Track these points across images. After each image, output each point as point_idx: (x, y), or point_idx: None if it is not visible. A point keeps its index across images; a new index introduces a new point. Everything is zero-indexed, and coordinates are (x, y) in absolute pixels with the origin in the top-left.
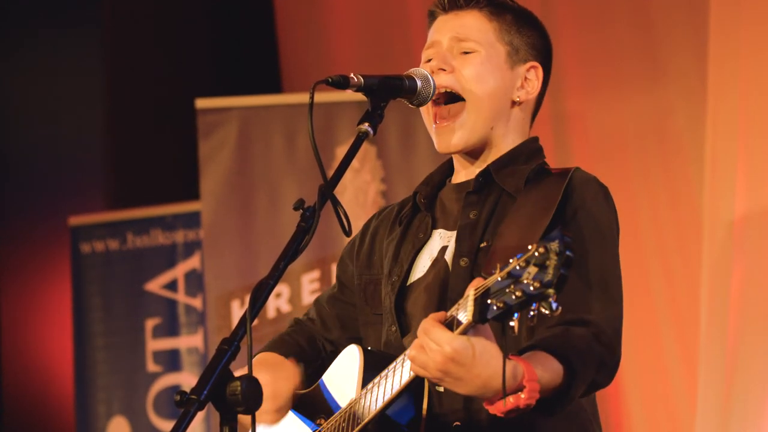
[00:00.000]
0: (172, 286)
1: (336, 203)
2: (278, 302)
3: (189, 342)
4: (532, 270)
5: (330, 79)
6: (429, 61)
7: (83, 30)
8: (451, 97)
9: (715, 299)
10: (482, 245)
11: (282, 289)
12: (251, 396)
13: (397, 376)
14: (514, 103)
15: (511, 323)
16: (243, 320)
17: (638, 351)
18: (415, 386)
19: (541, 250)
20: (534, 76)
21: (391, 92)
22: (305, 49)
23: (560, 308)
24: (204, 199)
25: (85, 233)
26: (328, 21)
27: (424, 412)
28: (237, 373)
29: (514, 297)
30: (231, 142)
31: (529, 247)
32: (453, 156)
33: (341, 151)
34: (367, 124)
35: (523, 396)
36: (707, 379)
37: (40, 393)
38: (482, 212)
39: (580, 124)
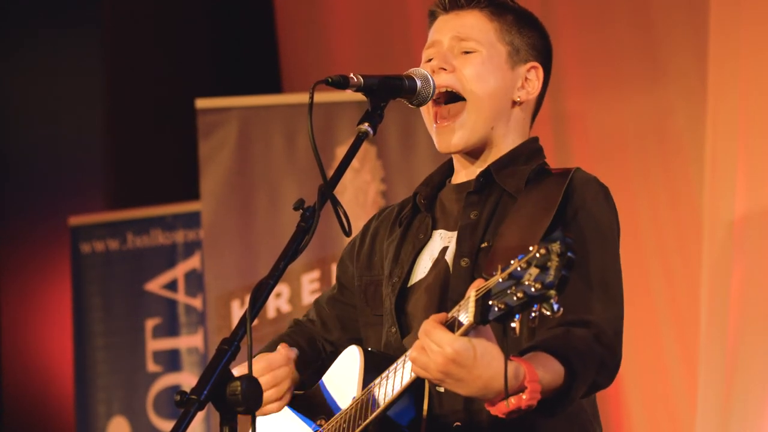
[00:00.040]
0: (172, 286)
1: (336, 203)
2: (278, 302)
3: (189, 342)
4: (534, 271)
5: (330, 79)
6: (429, 60)
7: (83, 30)
8: (452, 97)
9: (715, 299)
10: (483, 245)
11: (282, 289)
12: (251, 396)
13: (398, 377)
14: (514, 103)
15: (513, 324)
16: (243, 320)
17: (638, 351)
18: (415, 387)
19: (543, 251)
20: (534, 76)
21: (390, 92)
22: (305, 49)
23: (561, 309)
24: (204, 199)
25: (85, 233)
26: (328, 21)
27: (425, 412)
28: (235, 372)
29: (515, 298)
30: (231, 142)
31: (531, 248)
32: (453, 156)
33: (341, 151)
34: (367, 124)
35: (524, 397)
36: (707, 379)
37: (40, 393)
38: (483, 212)
39: (580, 124)
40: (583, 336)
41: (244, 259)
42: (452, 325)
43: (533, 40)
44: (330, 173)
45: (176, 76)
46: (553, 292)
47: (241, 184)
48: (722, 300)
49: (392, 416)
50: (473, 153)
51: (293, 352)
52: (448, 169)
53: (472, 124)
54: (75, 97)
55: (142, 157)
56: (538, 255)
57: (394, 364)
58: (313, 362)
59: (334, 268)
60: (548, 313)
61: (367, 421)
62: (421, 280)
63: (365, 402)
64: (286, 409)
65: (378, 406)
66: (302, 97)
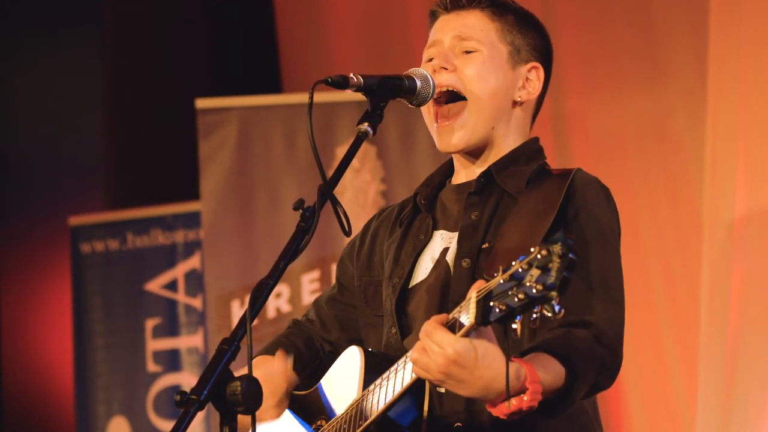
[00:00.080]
0: (172, 286)
1: (336, 203)
2: (278, 302)
3: (189, 342)
4: (535, 272)
5: (330, 79)
6: (430, 60)
7: (83, 30)
8: (453, 97)
9: (715, 299)
10: (484, 246)
11: (282, 289)
12: (251, 396)
13: (399, 378)
14: (515, 103)
15: (514, 325)
16: (243, 320)
17: (638, 351)
18: (416, 388)
19: (544, 252)
20: (535, 76)
21: (390, 92)
22: (305, 49)
23: (563, 311)
24: (204, 199)
25: (85, 233)
26: (328, 21)
27: (425, 413)
28: (236, 374)
29: (516, 299)
30: (231, 142)
31: (532, 249)
32: (453, 156)
33: (341, 151)
34: (366, 124)
35: (525, 398)
36: (707, 379)
37: (40, 393)
38: (484, 213)
39: (580, 124)
40: (584, 337)
41: (244, 259)
42: (453, 326)
43: (534, 41)
44: (330, 173)
45: (176, 76)
46: (554, 294)
47: (241, 184)
48: (722, 300)
49: (393, 417)
50: (474, 153)
51: (289, 362)
52: (448, 169)
53: (473, 124)
54: (75, 97)
55: (142, 157)
56: (539, 256)
57: (395, 365)
58: (310, 363)
59: (334, 268)
60: (549, 314)
61: (368, 422)
62: (422, 281)
63: (366, 403)
64: (285, 411)
65: (379, 407)
66: (302, 97)
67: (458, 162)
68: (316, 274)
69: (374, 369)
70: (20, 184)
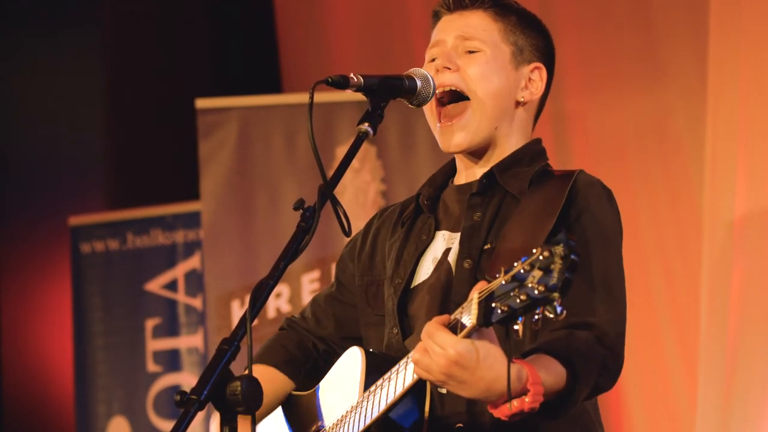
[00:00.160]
0: (172, 286)
1: (336, 203)
2: (278, 302)
3: (189, 342)
4: (537, 274)
5: (330, 79)
6: (433, 60)
7: (83, 30)
8: (456, 96)
9: (715, 299)
10: (486, 247)
11: (282, 289)
12: (251, 396)
13: (400, 378)
14: (518, 104)
15: (515, 327)
16: (243, 320)
17: (638, 351)
18: (417, 389)
19: (546, 253)
20: (538, 77)
21: (390, 92)
22: (305, 49)
23: (564, 312)
24: (204, 199)
25: (85, 233)
26: (328, 21)
27: (427, 414)
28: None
29: (518, 301)
30: (231, 142)
31: (534, 250)
32: (456, 156)
33: (341, 151)
34: (367, 124)
35: (527, 399)
36: (707, 379)
37: (40, 393)
38: (486, 214)
39: (580, 124)
40: (586, 338)
41: (244, 259)
42: (455, 327)
43: (537, 41)
44: (330, 173)
45: (176, 76)
46: (556, 295)
47: (241, 184)
48: (722, 300)
49: (394, 418)
50: (476, 153)
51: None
52: (450, 169)
53: (475, 124)
54: (75, 97)
55: (142, 157)
56: (541, 257)
57: (396, 366)
58: (303, 364)
59: (334, 268)
60: (551, 315)
61: (369, 422)
62: (423, 282)
63: (367, 403)
64: (280, 415)
65: (380, 408)
66: (302, 97)
67: (461, 162)
68: (316, 274)
69: (375, 370)
70: (20, 184)
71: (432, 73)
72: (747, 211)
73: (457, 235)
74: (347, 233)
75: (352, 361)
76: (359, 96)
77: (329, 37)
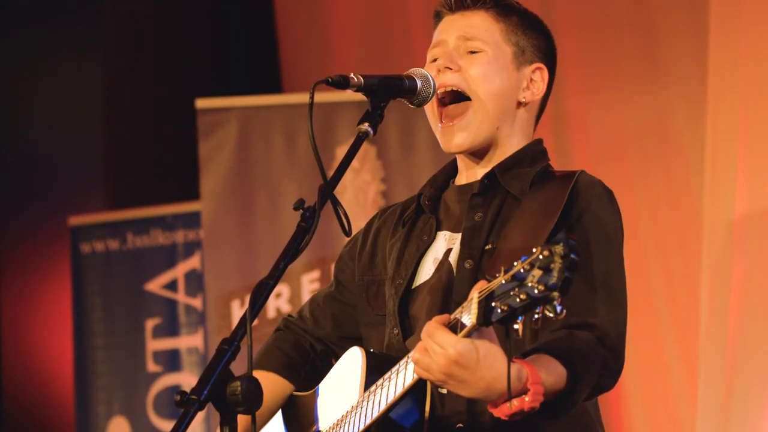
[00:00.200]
0: (172, 286)
1: (336, 203)
2: (278, 302)
3: (189, 342)
4: (537, 273)
5: (330, 79)
6: (435, 60)
7: (83, 30)
8: (457, 97)
9: (715, 299)
10: (487, 247)
11: (282, 289)
12: (251, 396)
13: (401, 378)
14: (519, 104)
15: (515, 326)
16: (243, 320)
17: (638, 351)
18: (418, 389)
19: (546, 253)
20: (539, 77)
21: (391, 92)
22: (305, 49)
23: (564, 311)
24: (204, 199)
25: (85, 233)
26: (328, 21)
27: (427, 414)
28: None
29: (518, 300)
30: (231, 142)
31: (534, 249)
32: (457, 156)
33: (341, 151)
34: (367, 124)
35: (527, 399)
36: (707, 379)
37: (40, 393)
38: (487, 214)
39: (580, 124)
40: (587, 338)
41: (244, 259)
42: (455, 327)
43: (538, 42)
44: (330, 173)
45: (176, 76)
46: (556, 294)
47: (241, 184)
48: (722, 300)
49: (394, 418)
50: (478, 153)
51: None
52: (452, 169)
53: (477, 124)
54: (75, 97)
55: (142, 157)
56: (541, 257)
57: (397, 366)
58: (302, 366)
59: (333, 268)
60: (551, 314)
61: (369, 422)
62: (424, 282)
63: (367, 403)
64: (279, 416)
65: (380, 408)
66: (302, 97)
67: (462, 162)
68: (316, 274)
69: (376, 370)
70: (20, 184)
71: (433, 73)
72: (747, 211)
73: (458, 235)
74: (347, 233)
75: (352, 361)
76: (359, 96)
77: (329, 37)
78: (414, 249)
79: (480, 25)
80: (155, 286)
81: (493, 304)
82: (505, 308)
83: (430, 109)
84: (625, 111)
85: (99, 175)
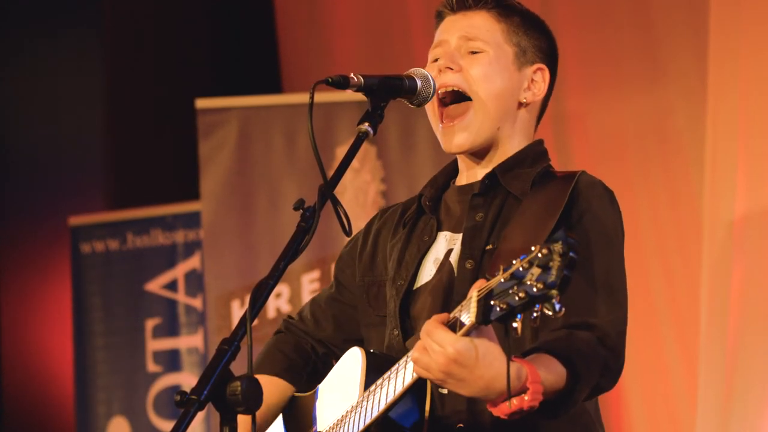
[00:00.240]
0: (172, 286)
1: (336, 203)
2: (278, 302)
3: (189, 342)
4: (536, 271)
5: (330, 79)
6: (436, 60)
7: (83, 30)
8: (458, 97)
9: (715, 299)
10: (488, 248)
11: (282, 289)
12: (251, 396)
13: (400, 378)
14: (520, 105)
15: (514, 324)
16: (243, 320)
17: (638, 351)
18: (418, 388)
19: (545, 251)
20: (540, 78)
21: (391, 92)
22: (305, 49)
23: (563, 309)
24: (204, 199)
25: (85, 233)
26: (328, 21)
27: (427, 413)
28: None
29: (517, 298)
30: (231, 142)
31: (533, 248)
32: (458, 156)
33: (341, 151)
34: (367, 124)
35: (526, 398)
36: (707, 379)
37: (40, 393)
38: (488, 215)
39: (580, 124)
40: (587, 338)
41: (244, 259)
42: (454, 326)
43: (540, 42)
44: (330, 173)
45: (176, 76)
46: (554, 292)
47: (241, 184)
48: (722, 300)
49: (394, 417)
50: (478, 154)
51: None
52: (452, 170)
53: (478, 125)
54: (75, 97)
55: (142, 157)
56: (540, 255)
57: (396, 365)
58: (303, 368)
59: (334, 268)
60: (550, 312)
61: (369, 422)
62: (426, 283)
63: (367, 403)
64: (279, 417)
65: (380, 407)
66: (302, 97)
67: (463, 163)
68: (316, 274)
69: (376, 369)
70: (20, 184)
71: (434, 73)
72: (747, 211)
73: (459, 235)
74: (348, 233)
75: (352, 362)
76: (359, 96)
77: (329, 37)
78: (415, 250)
79: (481, 25)
80: (155, 286)
81: (492, 302)
82: (504, 306)
83: (431, 109)
84: (625, 111)
85: (99, 175)
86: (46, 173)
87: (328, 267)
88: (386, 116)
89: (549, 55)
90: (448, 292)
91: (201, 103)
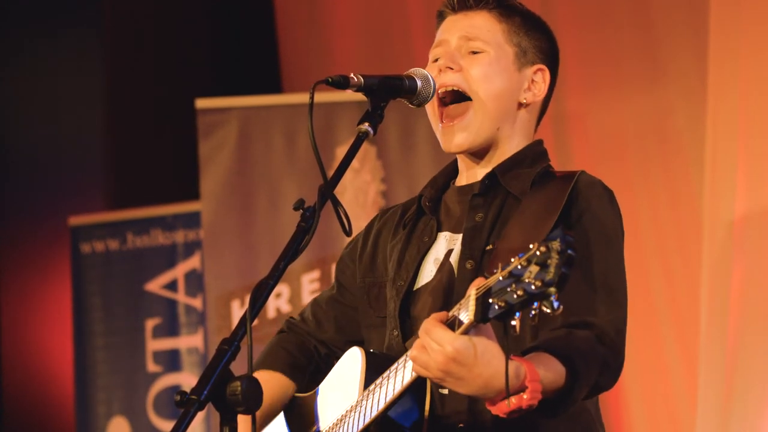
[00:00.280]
0: (172, 286)
1: (336, 203)
2: (278, 302)
3: (189, 342)
4: (534, 269)
5: (330, 79)
6: (436, 60)
7: (83, 30)
8: (458, 97)
9: (715, 299)
10: (488, 248)
11: (282, 289)
12: (251, 396)
13: (399, 376)
14: (520, 105)
15: (513, 322)
16: (243, 320)
17: (638, 351)
18: (417, 388)
19: (543, 249)
20: (541, 78)
21: (391, 92)
22: (305, 49)
23: (561, 307)
24: (204, 199)
25: (85, 233)
26: (328, 21)
27: (427, 413)
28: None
29: (515, 296)
30: (231, 142)
31: (531, 246)
32: (458, 156)
33: (341, 151)
34: (367, 124)
35: (525, 396)
36: (707, 379)
37: (40, 393)
38: (488, 215)
39: (580, 124)
40: (586, 337)
41: (244, 259)
42: (453, 324)
43: (540, 43)
44: (330, 173)
45: (176, 76)
46: (553, 290)
47: (241, 184)
48: (722, 300)
49: (394, 417)
50: (478, 154)
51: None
52: (452, 170)
53: (477, 125)
54: (75, 97)
55: (142, 157)
56: (538, 253)
57: (395, 364)
58: (306, 367)
59: (334, 268)
60: (548, 310)
61: (368, 421)
62: (426, 284)
63: (366, 402)
64: (281, 417)
65: (379, 407)
66: (302, 97)
67: (462, 163)
68: (316, 274)
69: (376, 369)
70: (20, 184)
71: (435, 72)
72: (747, 211)
73: (459, 236)
74: (348, 233)
75: (352, 361)
76: (359, 96)
77: (329, 37)
78: (415, 250)
79: (482, 25)
80: (155, 286)
81: (490, 300)
82: (503, 304)
83: (431, 108)
84: (625, 111)
85: (99, 175)
86: (46, 173)
87: (328, 267)
88: (386, 116)
89: (550, 56)
90: (448, 292)
91: (201, 103)
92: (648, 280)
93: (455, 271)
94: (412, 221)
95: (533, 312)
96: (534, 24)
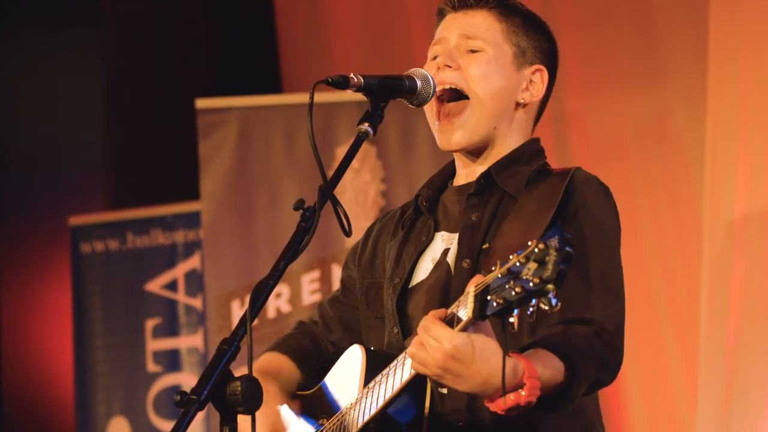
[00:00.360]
0: (172, 286)
1: (336, 203)
2: (278, 302)
3: (189, 342)
4: (532, 266)
5: (330, 79)
6: (435, 58)
7: (83, 30)
8: (456, 95)
9: (715, 299)
10: (484, 247)
11: (282, 289)
12: (251, 396)
13: (398, 374)
14: (518, 105)
15: (511, 319)
16: (243, 320)
17: (638, 351)
18: (417, 386)
19: (541, 246)
20: (539, 79)
21: (390, 92)
22: (305, 49)
23: (560, 304)
24: (204, 199)
25: (85, 233)
26: (328, 21)
27: (426, 411)
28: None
29: (513, 293)
30: (231, 142)
31: (529, 243)
32: (455, 155)
33: (341, 151)
34: (367, 124)
35: (523, 393)
36: (707, 379)
37: (40, 393)
38: (484, 214)
39: (580, 124)
40: (584, 333)
41: (244, 259)
42: (451, 321)
43: (540, 43)
44: (330, 173)
45: (176, 76)
46: (551, 287)
47: (241, 184)
48: (722, 300)
49: (393, 414)
50: (475, 152)
51: (283, 383)
52: (450, 171)
53: (474, 123)
54: (75, 97)
55: (142, 157)
56: (536, 250)
57: (395, 362)
58: (315, 360)
59: (334, 268)
60: (546, 307)
61: (367, 419)
62: (422, 282)
63: (366, 400)
64: (287, 411)
65: (378, 404)
66: (302, 97)
67: (459, 161)
68: (316, 274)
69: (376, 367)
70: (20, 184)
71: (433, 70)
72: (747, 211)
73: (456, 235)
74: (347, 233)
75: (353, 359)
76: (359, 96)
77: (329, 37)
78: (412, 249)
79: (482, 24)
80: (155, 286)
81: (488, 297)
82: (501, 301)
83: (429, 107)
84: (625, 111)
85: (99, 175)
86: (46, 173)
87: (328, 267)
88: (386, 116)
89: (549, 57)
90: (445, 290)
91: (201, 103)
92: (648, 280)
93: (452, 270)
94: (410, 222)
95: (531, 309)
96: (534, 24)
